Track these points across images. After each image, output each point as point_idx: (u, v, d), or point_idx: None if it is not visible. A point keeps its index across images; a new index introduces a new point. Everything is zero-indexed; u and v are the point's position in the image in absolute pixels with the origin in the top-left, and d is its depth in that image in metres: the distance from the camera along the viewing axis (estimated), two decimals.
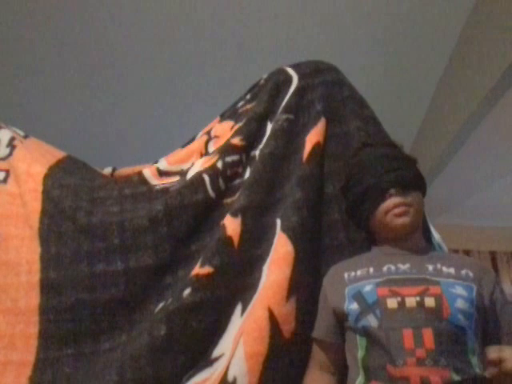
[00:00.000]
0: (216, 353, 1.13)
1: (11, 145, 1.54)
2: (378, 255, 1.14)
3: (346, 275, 1.10)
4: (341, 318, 1.07)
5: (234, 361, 1.06)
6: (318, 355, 1.12)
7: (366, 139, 1.32)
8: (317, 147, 1.37)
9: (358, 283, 1.05)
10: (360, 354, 0.98)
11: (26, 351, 1.19)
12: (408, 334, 0.92)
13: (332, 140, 1.41)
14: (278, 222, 1.25)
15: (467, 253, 4.38)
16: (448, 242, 1.32)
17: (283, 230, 1.22)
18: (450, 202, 3.65)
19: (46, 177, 1.44)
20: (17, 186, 1.43)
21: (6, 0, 2.65)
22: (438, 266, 1.05)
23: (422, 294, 0.97)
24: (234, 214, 1.26)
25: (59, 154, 1.61)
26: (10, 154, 1.51)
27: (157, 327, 1.12)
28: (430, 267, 1.05)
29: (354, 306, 1.02)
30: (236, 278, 1.20)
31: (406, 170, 1.15)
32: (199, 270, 1.18)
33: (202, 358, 1.13)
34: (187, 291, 1.15)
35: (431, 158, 3.29)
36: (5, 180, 1.45)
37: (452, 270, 1.04)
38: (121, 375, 1.07)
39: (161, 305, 1.22)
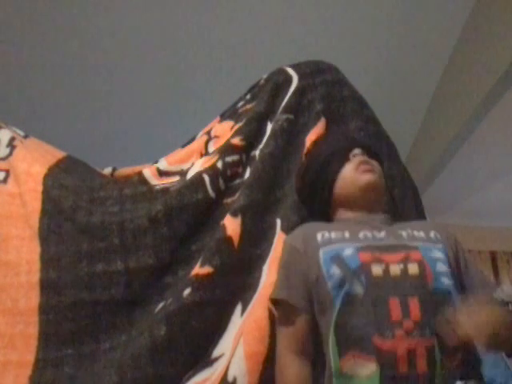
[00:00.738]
0: (216, 353, 1.13)
1: (11, 145, 1.53)
2: (349, 223, 1.08)
3: (318, 236, 1.04)
4: (311, 285, 0.99)
5: (234, 361, 1.06)
6: (289, 330, 1.01)
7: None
8: None
9: (335, 245, 1.00)
10: (335, 322, 0.92)
11: (25, 351, 1.19)
12: (395, 304, 0.89)
13: None
14: (278, 221, 1.26)
15: (467, 253, 4.38)
16: None
17: (283, 229, 1.22)
18: (450, 202, 3.65)
19: (46, 177, 1.44)
20: (17, 186, 1.43)
21: (6, 0, 2.65)
22: (409, 230, 1.04)
23: (404, 261, 0.94)
24: (234, 214, 1.26)
25: (59, 154, 1.61)
26: (10, 153, 1.51)
27: (157, 327, 1.12)
28: (404, 233, 1.03)
29: (335, 269, 0.95)
30: (236, 277, 1.20)
31: (365, 141, 1.19)
32: (199, 269, 1.18)
33: (202, 358, 1.13)
34: (187, 291, 1.15)
35: (431, 158, 3.29)
36: (5, 180, 1.45)
37: (422, 234, 1.03)
38: (121, 375, 1.07)
39: (161, 305, 1.22)
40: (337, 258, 0.97)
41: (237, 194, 1.35)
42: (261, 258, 1.22)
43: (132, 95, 3.18)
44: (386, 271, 0.93)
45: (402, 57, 2.97)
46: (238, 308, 1.18)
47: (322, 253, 1.00)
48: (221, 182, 1.38)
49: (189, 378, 1.09)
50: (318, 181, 1.16)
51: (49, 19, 2.74)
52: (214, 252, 1.20)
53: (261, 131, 1.47)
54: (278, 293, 1.04)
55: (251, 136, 1.46)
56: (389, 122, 1.51)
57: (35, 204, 1.38)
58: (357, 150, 1.12)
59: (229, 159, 1.41)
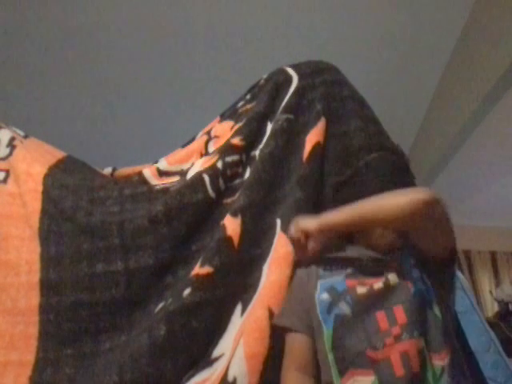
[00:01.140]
0: (216, 353, 1.13)
1: (11, 145, 1.54)
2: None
3: (321, 271, 1.09)
4: (309, 311, 1.05)
5: (234, 361, 1.06)
6: (297, 353, 1.05)
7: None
8: (317, 147, 1.37)
9: (331, 278, 1.06)
10: (328, 345, 0.96)
11: (25, 351, 1.19)
12: (381, 316, 0.95)
13: (332, 140, 1.41)
14: (278, 221, 1.26)
15: (467, 253, 4.39)
16: None
17: (283, 229, 1.22)
18: (449, 202, 3.64)
19: (46, 177, 1.44)
20: (17, 186, 1.43)
21: (6, 1, 2.65)
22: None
23: (385, 274, 1.00)
24: (234, 214, 1.26)
25: (59, 154, 1.61)
26: (10, 153, 1.51)
27: (157, 327, 1.12)
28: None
29: (324, 295, 1.02)
30: (236, 277, 1.20)
31: None
32: (199, 269, 1.18)
33: (202, 358, 1.13)
34: (187, 291, 1.15)
35: (431, 158, 3.29)
36: (5, 180, 1.45)
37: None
38: (121, 375, 1.07)
39: (161, 305, 1.22)
40: (329, 288, 1.03)
41: (237, 194, 1.35)
42: (261, 258, 1.22)
43: (132, 95, 3.18)
44: (370, 289, 0.99)
45: (402, 57, 2.97)
46: (238, 308, 1.18)
47: (320, 285, 1.06)
48: (221, 182, 1.38)
49: (189, 378, 1.09)
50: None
51: (48, 19, 2.74)
52: (214, 252, 1.20)
53: (261, 131, 1.47)
54: (282, 320, 1.09)
55: (251, 136, 1.46)
56: (389, 122, 1.50)
57: (35, 204, 1.38)
58: None
59: (229, 159, 1.41)
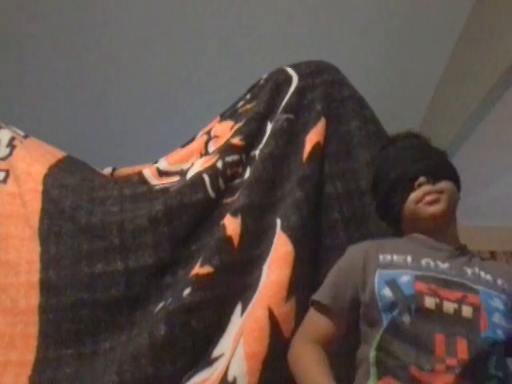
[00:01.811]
0: (216, 353, 1.13)
1: (11, 145, 1.54)
2: (416, 244, 1.06)
3: (380, 257, 1.03)
4: (358, 300, 1.01)
5: (234, 361, 1.06)
6: (316, 324, 1.01)
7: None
8: (317, 147, 1.37)
9: (394, 271, 0.98)
10: (375, 344, 0.92)
11: (25, 351, 1.19)
12: (440, 340, 0.87)
13: (332, 140, 1.41)
14: (278, 221, 1.25)
15: None
16: None
17: (283, 229, 1.22)
18: None
19: (46, 177, 1.45)
20: (17, 186, 1.43)
21: (6, 1, 2.65)
22: (476, 270, 1.00)
23: (460, 301, 0.92)
24: (234, 214, 1.26)
25: (59, 154, 1.61)
26: (10, 153, 1.51)
27: (157, 327, 1.12)
28: (469, 271, 0.99)
29: (387, 292, 0.94)
30: (236, 277, 1.20)
31: (434, 158, 1.11)
32: (199, 269, 1.18)
33: (201, 357, 1.13)
34: (187, 291, 1.15)
35: None
36: (5, 180, 1.45)
37: (489, 278, 0.99)
38: (120, 375, 1.07)
39: (161, 304, 1.22)
40: (391, 283, 0.96)
41: (237, 194, 1.35)
42: (261, 258, 1.22)
43: (132, 95, 3.18)
44: (439, 306, 0.91)
45: (402, 56, 2.97)
46: (238, 308, 1.18)
47: (378, 274, 0.99)
48: (221, 181, 1.38)
49: (189, 378, 1.09)
50: (386, 204, 1.14)
51: (48, 19, 2.74)
52: (214, 252, 1.20)
53: (261, 131, 1.47)
54: (324, 298, 1.04)
55: (251, 136, 1.46)
56: (389, 122, 1.50)
57: (35, 204, 1.38)
58: (422, 178, 1.07)
59: (229, 159, 1.41)
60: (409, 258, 1.01)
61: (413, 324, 0.90)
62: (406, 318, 0.91)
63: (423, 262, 1.00)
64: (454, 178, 1.13)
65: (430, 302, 0.91)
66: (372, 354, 0.92)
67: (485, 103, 2.59)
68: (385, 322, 0.92)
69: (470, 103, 2.70)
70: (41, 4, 2.67)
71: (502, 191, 3.62)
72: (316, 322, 1.04)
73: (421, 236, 1.09)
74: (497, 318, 0.91)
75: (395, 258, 1.02)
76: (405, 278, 0.95)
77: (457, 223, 1.14)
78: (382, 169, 1.15)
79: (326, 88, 1.50)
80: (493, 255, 4.41)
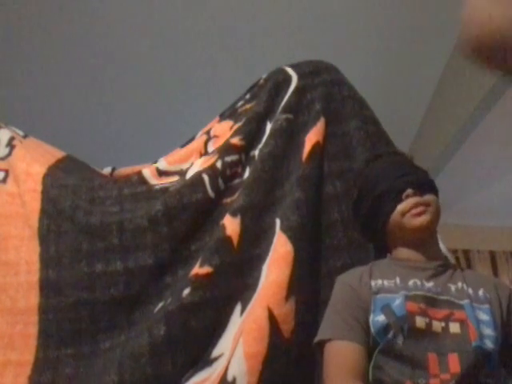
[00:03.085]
0: (215, 353, 1.13)
1: (10, 144, 1.54)
2: (401, 266, 1.09)
3: (372, 283, 1.05)
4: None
5: (234, 360, 1.06)
6: (348, 361, 0.98)
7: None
8: (316, 147, 1.37)
9: (387, 295, 1.02)
10: (372, 363, 0.95)
11: (25, 351, 1.19)
12: (433, 359, 0.91)
13: (331, 140, 1.41)
14: (278, 221, 1.25)
15: (467, 252, 4.38)
16: (448, 241, 1.31)
17: (283, 229, 1.22)
18: (449, 202, 3.65)
19: (46, 177, 1.45)
20: (16, 186, 1.43)
21: (6, 0, 2.65)
22: (459, 285, 1.03)
23: (446, 319, 0.96)
24: (234, 214, 1.26)
25: (59, 154, 1.61)
26: (10, 153, 1.51)
27: (156, 327, 1.12)
28: (453, 287, 1.03)
29: (381, 317, 0.97)
30: (235, 277, 1.20)
31: (420, 173, 1.14)
32: (198, 269, 1.18)
33: (201, 357, 1.13)
34: (187, 291, 1.15)
35: (430, 158, 3.29)
36: (4, 180, 1.45)
37: (471, 291, 1.02)
38: (120, 375, 1.07)
39: (160, 304, 1.22)
40: (386, 308, 0.99)
41: (236, 194, 1.35)
42: (260, 258, 1.22)
43: (132, 95, 3.18)
44: (429, 325, 0.94)
45: (402, 57, 2.97)
46: (238, 308, 1.18)
47: (373, 301, 1.02)
48: (220, 181, 1.38)
49: (188, 378, 1.09)
50: (370, 218, 1.15)
51: (49, 20, 2.74)
52: (214, 252, 1.20)
53: (260, 131, 1.47)
54: (339, 334, 1.01)
55: (251, 136, 1.46)
56: (389, 122, 1.50)
57: (34, 204, 1.38)
58: (410, 190, 1.08)
59: (228, 159, 1.41)
60: (398, 280, 1.04)
61: (406, 344, 0.93)
62: (400, 339, 0.94)
63: (411, 282, 1.04)
64: (436, 194, 1.15)
65: (420, 321, 0.95)
66: (370, 372, 0.95)
67: (485, 103, 2.59)
68: (380, 344, 0.96)
69: (470, 103, 2.70)
70: (41, 4, 2.67)
71: (502, 191, 3.62)
72: (347, 359, 0.98)
73: (405, 252, 1.11)
74: (484, 330, 0.95)
75: (385, 282, 1.05)
76: (397, 301, 0.99)
77: (436, 234, 1.17)
78: (368, 182, 1.17)
79: (325, 88, 1.50)
80: (493, 255, 4.41)
